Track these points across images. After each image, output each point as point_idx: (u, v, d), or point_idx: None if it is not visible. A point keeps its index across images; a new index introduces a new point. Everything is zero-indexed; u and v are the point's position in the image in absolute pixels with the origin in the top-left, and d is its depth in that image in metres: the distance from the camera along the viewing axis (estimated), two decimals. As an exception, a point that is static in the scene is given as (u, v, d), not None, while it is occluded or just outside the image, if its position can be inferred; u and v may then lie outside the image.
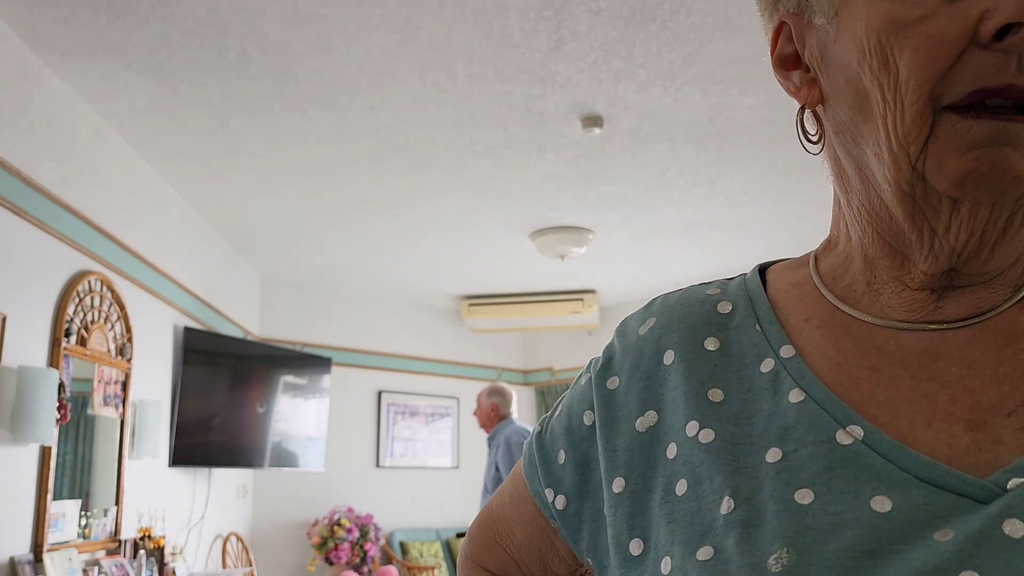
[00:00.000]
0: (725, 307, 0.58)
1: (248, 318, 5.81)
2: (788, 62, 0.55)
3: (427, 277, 6.22)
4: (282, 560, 5.92)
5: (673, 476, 0.53)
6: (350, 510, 6.00)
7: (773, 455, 0.49)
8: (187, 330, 4.52)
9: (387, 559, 6.33)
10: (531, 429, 4.64)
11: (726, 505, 0.48)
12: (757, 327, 0.56)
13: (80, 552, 3.23)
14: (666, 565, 0.50)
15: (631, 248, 5.52)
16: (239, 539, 5.34)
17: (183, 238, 4.55)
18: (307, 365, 5.78)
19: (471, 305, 6.74)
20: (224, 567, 5.00)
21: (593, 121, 3.53)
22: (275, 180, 4.24)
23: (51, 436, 2.91)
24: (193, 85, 3.22)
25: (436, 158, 3.95)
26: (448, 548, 6.61)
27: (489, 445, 4.55)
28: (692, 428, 0.53)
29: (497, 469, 4.40)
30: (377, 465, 6.65)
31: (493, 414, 4.56)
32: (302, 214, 4.76)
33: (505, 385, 4.73)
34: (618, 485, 0.55)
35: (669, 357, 0.57)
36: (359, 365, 6.62)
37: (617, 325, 0.64)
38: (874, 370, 0.50)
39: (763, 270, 0.62)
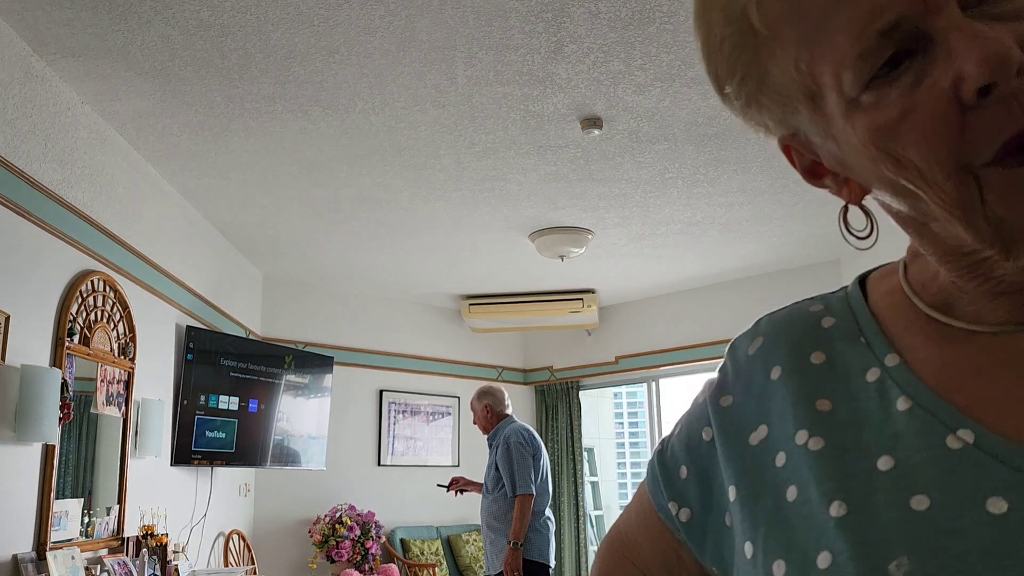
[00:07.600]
0: (828, 321, 0.59)
1: (250, 317, 5.84)
2: (815, 170, 0.54)
3: (428, 277, 6.25)
4: (284, 558, 5.95)
5: (783, 483, 0.54)
6: (351, 508, 6.02)
7: (885, 463, 0.50)
8: (189, 329, 4.55)
9: (388, 557, 6.35)
10: (531, 429, 4.61)
11: (836, 508, 0.50)
12: (861, 339, 0.56)
13: (83, 550, 3.25)
14: (779, 568, 0.51)
15: (630, 248, 5.54)
16: (241, 537, 5.37)
17: (186, 238, 4.58)
18: (309, 364, 5.81)
19: (471, 305, 6.75)
20: (226, 565, 5.02)
21: (592, 122, 3.55)
22: (277, 181, 4.26)
23: (54, 435, 2.93)
24: (195, 87, 3.24)
25: (437, 159, 3.97)
26: (449, 545, 6.64)
27: (490, 446, 4.51)
28: (801, 436, 0.54)
29: (497, 469, 4.37)
30: (378, 463, 6.67)
31: (490, 415, 4.52)
32: (304, 214, 4.78)
33: (494, 384, 4.68)
34: (732, 493, 0.58)
35: (776, 372, 0.59)
36: (361, 364, 6.65)
37: (728, 346, 0.66)
38: (978, 372, 0.50)
39: (863, 280, 0.62)
